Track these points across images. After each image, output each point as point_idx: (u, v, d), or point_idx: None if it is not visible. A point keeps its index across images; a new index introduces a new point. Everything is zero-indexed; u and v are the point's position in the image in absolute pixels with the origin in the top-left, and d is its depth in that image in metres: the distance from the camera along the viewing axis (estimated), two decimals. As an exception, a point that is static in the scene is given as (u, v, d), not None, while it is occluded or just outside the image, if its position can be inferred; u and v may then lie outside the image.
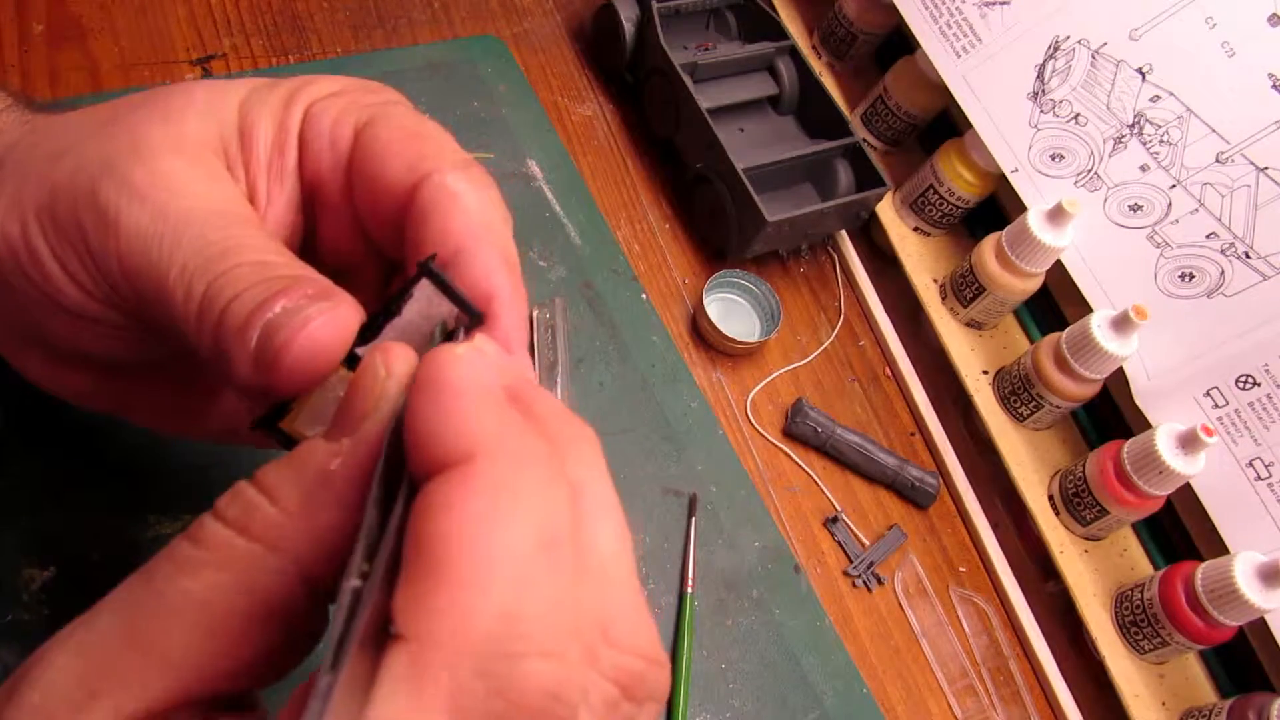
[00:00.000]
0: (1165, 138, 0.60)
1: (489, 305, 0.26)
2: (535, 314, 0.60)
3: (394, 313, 0.25)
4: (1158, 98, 0.61)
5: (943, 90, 0.69)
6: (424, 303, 0.25)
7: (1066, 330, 0.62)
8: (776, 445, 0.63)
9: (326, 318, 0.24)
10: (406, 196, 0.27)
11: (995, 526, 0.65)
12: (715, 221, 0.66)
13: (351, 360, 0.25)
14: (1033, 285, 0.65)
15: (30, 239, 0.27)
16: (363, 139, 0.28)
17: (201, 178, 0.27)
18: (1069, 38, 0.64)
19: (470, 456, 0.18)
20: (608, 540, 0.20)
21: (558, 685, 0.17)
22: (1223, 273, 0.58)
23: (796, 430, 0.63)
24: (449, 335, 0.25)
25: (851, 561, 0.61)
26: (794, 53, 0.71)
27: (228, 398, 0.35)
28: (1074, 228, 0.62)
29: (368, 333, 0.25)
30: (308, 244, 0.32)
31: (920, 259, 0.72)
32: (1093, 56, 0.63)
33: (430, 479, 0.18)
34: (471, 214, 0.27)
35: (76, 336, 0.29)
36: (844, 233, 0.73)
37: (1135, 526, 0.64)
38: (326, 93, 0.30)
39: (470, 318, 0.26)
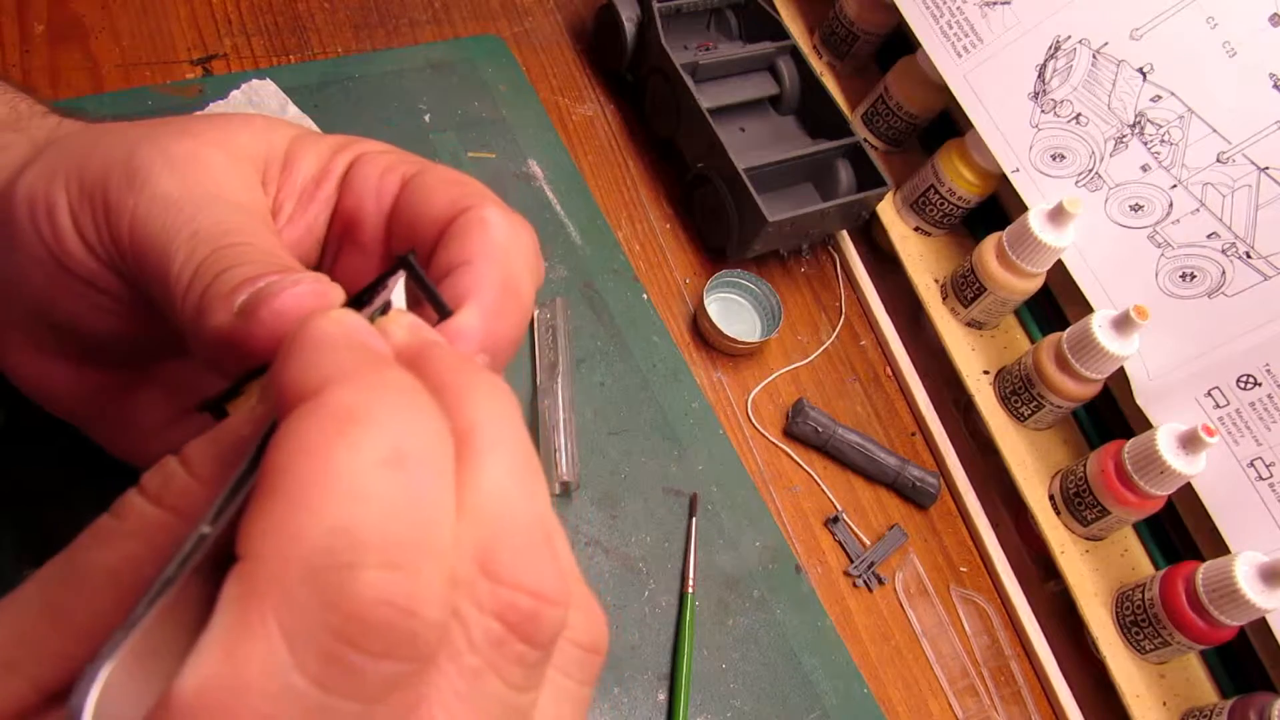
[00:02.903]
0: (1166, 137, 0.60)
1: (460, 305, 0.26)
2: (536, 314, 0.60)
3: (365, 302, 0.25)
4: (1159, 97, 0.61)
5: (943, 90, 0.68)
6: (399, 294, 0.25)
7: (1067, 330, 0.62)
8: (777, 445, 0.63)
9: (313, 286, 0.24)
10: (446, 226, 0.28)
11: (996, 526, 0.65)
12: (716, 221, 0.66)
13: None
14: (1034, 285, 0.65)
15: (52, 194, 0.28)
16: (411, 184, 0.30)
17: (236, 176, 0.28)
18: (1070, 37, 0.64)
19: (318, 391, 0.18)
20: (496, 476, 0.19)
21: (404, 597, 0.16)
22: (1224, 273, 0.58)
23: (797, 430, 0.63)
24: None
25: (852, 561, 0.61)
26: (795, 52, 0.71)
27: (196, 421, 0.33)
28: (1075, 228, 0.62)
29: None
30: None
31: (921, 259, 0.72)
32: (1094, 56, 0.63)
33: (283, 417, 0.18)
34: (493, 239, 0.27)
35: (68, 303, 0.29)
36: (845, 232, 0.73)
37: (1136, 526, 0.64)
38: (379, 149, 0.31)
39: (439, 315, 0.25)
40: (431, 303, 0.25)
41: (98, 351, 0.32)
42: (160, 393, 0.33)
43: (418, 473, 0.17)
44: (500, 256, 0.27)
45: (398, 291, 0.25)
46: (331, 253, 0.32)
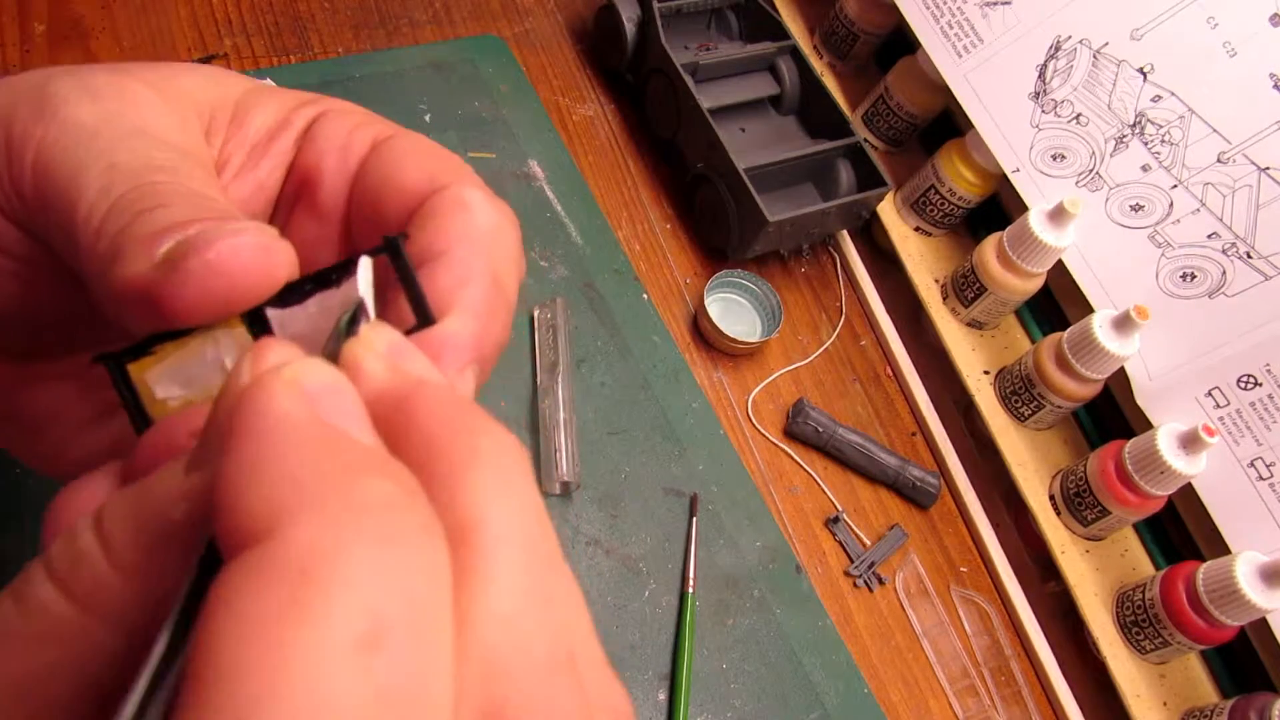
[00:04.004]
0: (1167, 138, 0.60)
1: (445, 307, 0.21)
2: (536, 314, 0.60)
3: (329, 283, 0.20)
4: (1159, 98, 0.61)
5: (944, 90, 0.68)
6: (367, 285, 0.20)
7: (1068, 330, 0.62)
8: (778, 445, 0.63)
9: (257, 238, 0.20)
10: (417, 203, 0.24)
11: (996, 526, 0.65)
12: (716, 221, 0.66)
13: (254, 323, 0.20)
14: (1034, 285, 0.65)
15: None
16: (384, 148, 0.25)
17: (172, 116, 0.23)
18: (1070, 38, 0.64)
19: (269, 530, 0.13)
20: (505, 593, 0.15)
21: None
22: (1224, 273, 0.58)
23: (798, 430, 0.63)
24: (352, 325, 0.19)
25: (853, 561, 0.61)
26: (795, 53, 0.71)
27: (119, 422, 0.27)
28: (1075, 228, 0.62)
29: (290, 295, 0.20)
30: None
31: (921, 259, 0.72)
32: (1094, 56, 0.63)
33: (226, 560, 0.14)
34: (476, 225, 0.23)
35: None
36: (845, 233, 0.73)
37: (1136, 526, 0.64)
38: (349, 108, 0.27)
39: (420, 320, 0.21)
40: (413, 303, 0.21)
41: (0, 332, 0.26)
42: (76, 388, 0.27)
43: (403, 654, 0.13)
44: (485, 247, 0.23)
45: (363, 281, 0.20)
46: (283, 216, 0.27)
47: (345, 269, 0.20)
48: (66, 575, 0.16)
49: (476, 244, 0.23)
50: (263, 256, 0.20)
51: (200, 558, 0.15)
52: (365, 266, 0.20)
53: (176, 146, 0.23)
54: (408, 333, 0.20)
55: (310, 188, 0.26)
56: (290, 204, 0.26)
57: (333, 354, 0.18)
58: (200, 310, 0.19)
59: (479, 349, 0.21)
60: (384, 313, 0.22)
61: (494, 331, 0.22)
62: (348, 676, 0.12)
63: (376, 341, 0.18)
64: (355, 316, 0.19)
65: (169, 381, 0.20)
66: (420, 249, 0.22)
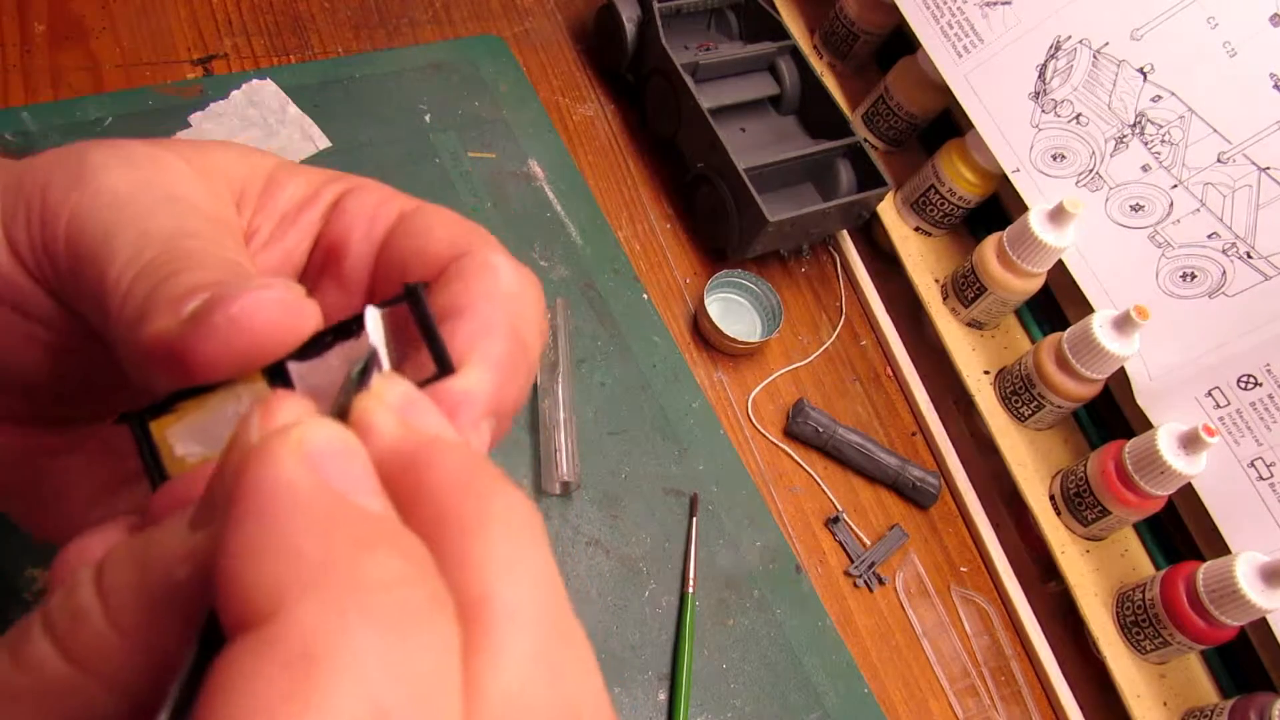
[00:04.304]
0: (1167, 137, 0.60)
1: (463, 359, 0.21)
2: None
3: (350, 334, 0.20)
4: (1159, 98, 0.61)
5: (944, 90, 0.68)
6: (378, 335, 0.20)
7: (1068, 330, 0.62)
8: (778, 445, 0.63)
9: (282, 295, 0.20)
10: (442, 269, 0.24)
11: (997, 526, 0.65)
12: (716, 221, 0.66)
13: (275, 377, 0.20)
14: (1034, 285, 0.65)
15: None
16: (410, 218, 0.25)
17: (203, 187, 0.24)
18: (1070, 38, 0.64)
19: (272, 611, 0.13)
20: (514, 668, 0.15)
21: None
22: (1224, 273, 0.58)
23: (798, 430, 0.63)
24: (363, 377, 0.19)
25: (853, 561, 0.61)
26: (795, 53, 0.71)
27: (136, 492, 0.27)
28: (1075, 228, 0.62)
29: (311, 349, 0.20)
30: None
31: (921, 259, 0.72)
32: (1094, 56, 0.63)
33: (229, 640, 0.14)
34: (500, 285, 0.23)
35: None
36: (845, 232, 0.73)
37: (1136, 526, 0.64)
38: (376, 185, 0.27)
39: (440, 369, 0.20)
40: (433, 352, 0.21)
41: (24, 401, 0.26)
42: (94, 459, 0.27)
43: None
44: (507, 306, 0.23)
45: (374, 331, 0.20)
46: (309, 286, 0.27)
47: (351, 329, 0.20)
48: (65, 633, 0.15)
49: (499, 302, 0.22)
50: (286, 312, 0.19)
51: (201, 631, 0.15)
52: (374, 316, 0.20)
53: (208, 214, 0.23)
54: (425, 383, 0.20)
55: (336, 258, 0.26)
56: (317, 275, 0.26)
57: (343, 407, 0.18)
58: (223, 364, 0.19)
59: (497, 402, 0.21)
60: (405, 365, 0.22)
61: (514, 386, 0.22)
62: None
63: (388, 394, 0.18)
64: (367, 368, 0.19)
65: (189, 439, 0.20)
66: (443, 306, 0.22)
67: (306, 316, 0.20)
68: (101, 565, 0.16)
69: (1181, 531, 0.62)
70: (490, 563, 0.15)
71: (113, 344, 0.21)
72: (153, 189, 0.22)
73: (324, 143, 0.60)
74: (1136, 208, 0.61)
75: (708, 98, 0.66)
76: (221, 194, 0.25)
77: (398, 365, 0.21)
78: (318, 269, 0.26)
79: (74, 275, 0.22)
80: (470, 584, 0.15)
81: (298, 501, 0.14)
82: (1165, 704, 0.59)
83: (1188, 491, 0.58)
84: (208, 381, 0.20)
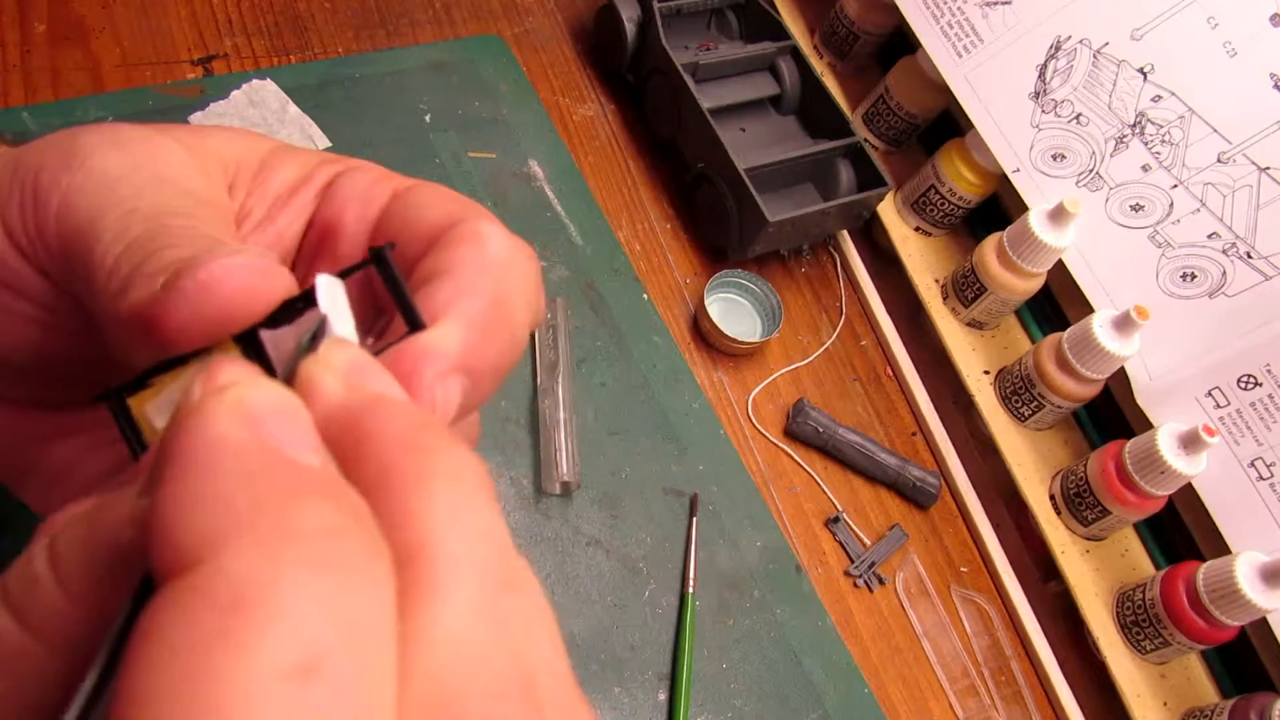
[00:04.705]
0: (1167, 138, 0.60)
1: (436, 320, 0.21)
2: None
3: (315, 301, 0.20)
4: (1159, 98, 0.61)
5: (944, 90, 0.68)
6: (330, 301, 0.20)
7: (1068, 330, 0.62)
8: (778, 445, 0.63)
9: (252, 261, 0.20)
10: (434, 241, 0.24)
11: (997, 526, 0.65)
12: (716, 221, 0.66)
13: (248, 345, 0.20)
14: (1034, 285, 0.65)
15: None
16: (405, 196, 0.25)
17: (195, 170, 0.24)
18: (1070, 37, 0.64)
19: (200, 557, 0.13)
20: (455, 618, 0.14)
21: None
22: (1224, 273, 0.58)
23: (798, 430, 0.63)
24: (313, 343, 0.19)
25: (853, 561, 0.61)
26: (795, 53, 0.71)
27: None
28: (1075, 228, 0.62)
29: (283, 315, 0.20)
30: None
31: (922, 259, 0.72)
32: (1094, 56, 0.63)
33: (157, 588, 0.13)
34: (487, 252, 0.22)
35: None
36: (845, 233, 0.73)
37: (1137, 526, 0.64)
38: (369, 166, 0.27)
39: (410, 326, 0.20)
40: (402, 310, 0.20)
41: (22, 384, 0.26)
42: (94, 442, 0.27)
43: (339, 682, 0.12)
44: (492, 271, 0.22)
45: (325, 298, 0.20)
46: (304, 268, 0.27)
47: (309, 300, 0.20)
48: (19, 600, 0.15)
49: (483, 268, 0.22)
50: (255, 275, 0.19)
51: (137, 588, 0.15)
52: (325, 283, 0.20)
53: (197, 195, 0.23)
54: (395, 343, 0.20)
55: (331, 238, 0.26)
56: (311, 257, 0.26)
57: (291, 373, 0.18)
58: (194, 330, 0.19)
59: (470, 359, 0.21)
60: (387, 331, 0.22)
61: (491, 346, 0.21)
62: (279, 706, 0.12)
63: (334, 358, 0.18)
64: (317, 334, 0.19)
65: (167, 411, 0.20)
66: (428, 272, 0.22)
67: (275, 281, 0.20)
68: (54, 535, 0.16)
69: (1181, 531, 0.62)
70: (431, 515, 0.15)
71: (99, 321, 0.21)
72: (142, 170, 0.22)
73: (324, 143, 0.61)
74: (1137, 208, 0.61)
75: (708, 98, 0.66)
76: (214, 176, 0.25)
77: (377, 331, 0.21)
78: (312, 251, 0.26)
79: (65, 256, 0.22)
80: (410, 535, 0.15)
81: (230, 455, 0.14)
82: (1165, 704, 0.59)
83: (1188, 491, 0.58)
84: (182, 351, 0.20)
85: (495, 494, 0.16)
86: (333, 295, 0.20)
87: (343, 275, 0.21)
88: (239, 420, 0.15)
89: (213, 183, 0.24)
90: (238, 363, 0.17)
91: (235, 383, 0.15)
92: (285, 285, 0.20)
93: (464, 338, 0.21)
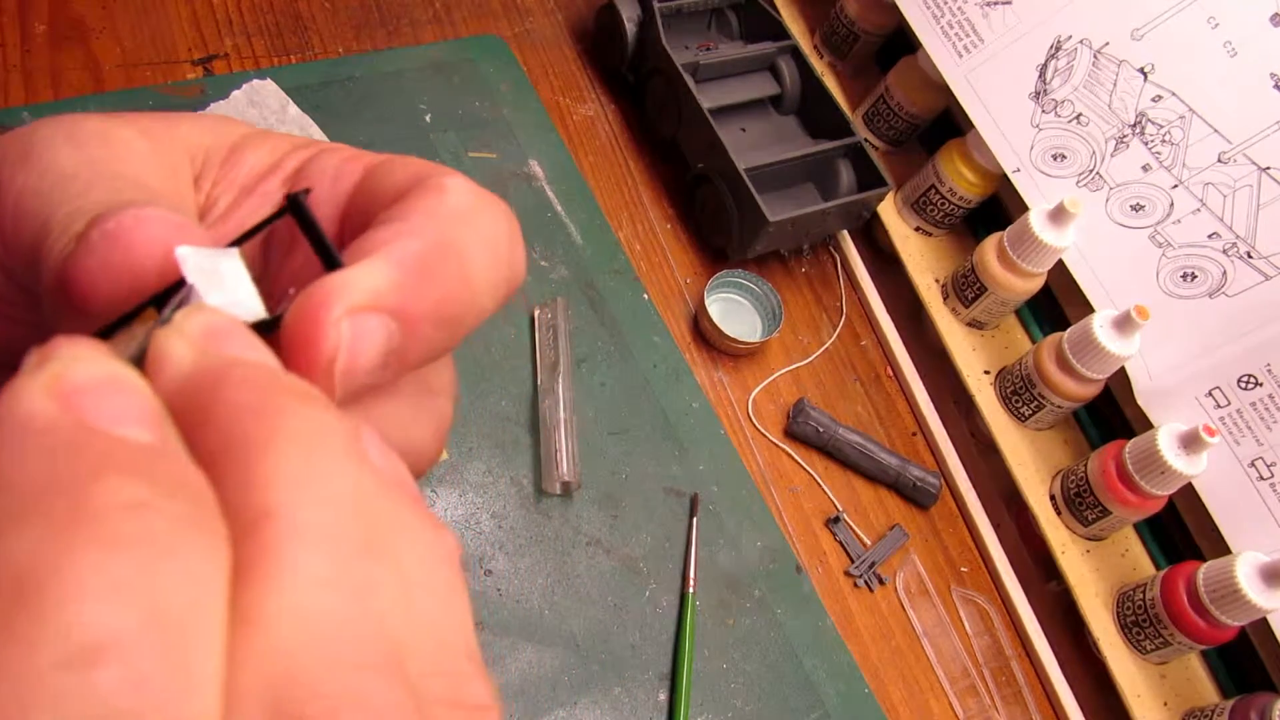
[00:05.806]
0: (1167, 137, 0.60)
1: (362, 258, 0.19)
2: (536, 314, 0.60)
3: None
4: (1159, 98, 0.61)
5: (944, 90, 0.68)
6: (198, 271, 0.19)
7: (1068, 330, 0.62)
8: (778, 445, 0.63)
9: (162, 212, 0.19)
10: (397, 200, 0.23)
11: (997, 526, 0.65)
12: (717, 221, 0.66)
13: (122, 323, 0.19)
14: (1034, 285, 0.65)
15: None
16: (377, 169, 0.24)
17: (156, 164, 0.23)
18: (1071, 38, 0.64)
19: None
20: (301, 592, 0.13)
21: None
22: (1225, 273, 0.58)
23: (798, 430, 0.63)
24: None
25: (853, 561, 0.61)
26: (796, 53, 0.71)
27: None
28: (1076, 228, 0.62)
29: (173, 292, 0.20)
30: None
31: (922, 259, 0.72)
32: (1094, 56, 0.63)
33: None
34: (445, 203, 0.21)
35: None
36: (846, 232, 0.73)
37: (1137, 526, 0.64)
38: (341, 147, 0.26)
39: (327, 266, 0.19)
40: (319, 252, 0.19)
41: None
42: None
43: (137, 665, 0.12)
44: (448, 219, 0.21)
45: (192, 268, 0.19)
46: (278, 256, 0.26)
47: (248, 237, 0.20)
48: None
49: (436, 216, 0.20)
50: (168, 228, 0.18)
51: None
52: (186, 254, 0.19)
53: (152, 190, 0.22)
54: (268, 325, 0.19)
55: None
56: (285, 245, 0.25)
57: (142, 348, 0.17)
58: (104, 286, 0.18)
59: (403, 301, 0.19)
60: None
61: (431, 290, 0.19)
62: (55, 696, 0.11)
63: (188, 325, 0.16)
64: (179, 305, 0.18)
65: None
66: (377, 224, 0.21)
67: (186, 234, 0.19)
68: None
69: (1182, 531, 0.62)
70: (274, 481, 0.14)
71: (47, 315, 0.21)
72: (98, 166, 0.22)
73: (324, 143, 0.61)
74: (1137, 208, 0.61)
75: (708, 98, 0.66)
76: (179, 168, 0.24)
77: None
78: (284, 238, 0.25)
79: (19, 256, 0.21)
80: (250, 505, 0.14)
81: (34, 434, 0.13)
82: (1165, 704, 0.59)
83: (1188, 491, 0.58)
84: (98, 313, 0.19)
85: (364, 453, 0.15)
86: (211, 264, 0.19)
87: (254, 231, 0.20)
88: (53, 398, 0.14)
89: (175, 174, 0.23)
90: (76, 339, 0.16)
91: (61, 358, 0.14)
92: (196, 240, 0.19)
93: (391, 276, 0.19)
